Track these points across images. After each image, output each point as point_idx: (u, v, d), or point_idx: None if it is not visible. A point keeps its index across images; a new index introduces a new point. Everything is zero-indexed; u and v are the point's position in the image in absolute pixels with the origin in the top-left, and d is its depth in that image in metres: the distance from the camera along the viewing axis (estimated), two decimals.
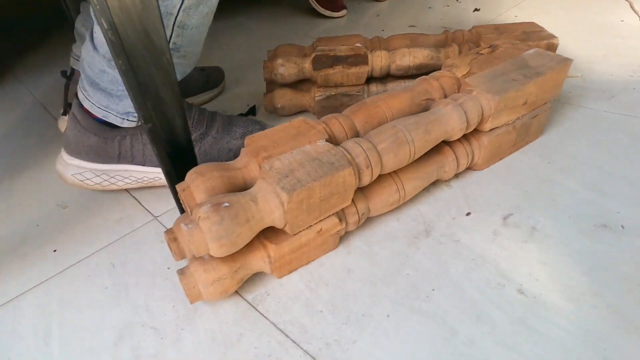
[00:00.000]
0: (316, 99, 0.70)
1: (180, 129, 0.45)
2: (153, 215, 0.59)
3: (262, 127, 0.63)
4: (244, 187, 0.45)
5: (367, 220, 0.53)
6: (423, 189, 0.55)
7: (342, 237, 0.51)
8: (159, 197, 0.61)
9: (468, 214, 0.53)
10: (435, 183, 0.58)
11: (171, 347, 0.42)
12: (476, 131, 0.56)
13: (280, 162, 0.43)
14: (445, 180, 0.58)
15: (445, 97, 0.56)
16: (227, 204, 0.39)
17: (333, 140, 0.48)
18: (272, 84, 0.75)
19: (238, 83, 0.90)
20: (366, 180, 0.46)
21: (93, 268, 0.52)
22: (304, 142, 0.46)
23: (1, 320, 0.46)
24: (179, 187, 0.45)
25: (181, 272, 0.43)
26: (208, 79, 0.84)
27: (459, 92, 0.56)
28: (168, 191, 0.62)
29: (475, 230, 0.51)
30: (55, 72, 0.98)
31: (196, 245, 0.39)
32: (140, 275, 0.50)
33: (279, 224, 0.42)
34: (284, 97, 0.72)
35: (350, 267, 0.48)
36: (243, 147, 0.49)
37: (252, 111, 0.77)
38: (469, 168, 0.59)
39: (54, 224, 0.59)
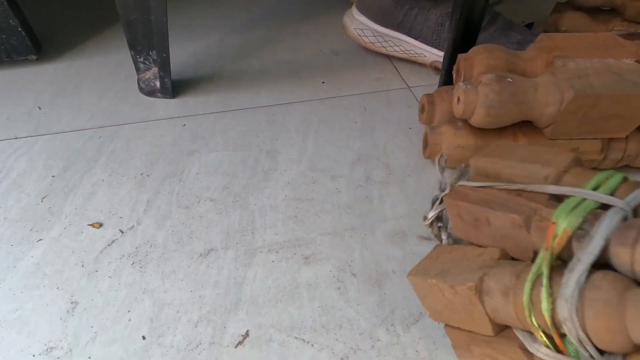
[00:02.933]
0: (614, 33, 0.63)
1: (479, 8, 0.48)
2: (407, 84, 0.64)
3: None
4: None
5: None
6: None
7: None
8: (416, 72, 0.66)
9: None
10: None
11: (396, 182, 0.49)
12: None
13: (575, 64, 0.42)
14: None
15: None
16: (510, 80, 0.41)
17: None
18: (565, 4, 0.69)
19: None
20: None
21: (349, 105, 0.61)
22: (606, 56, 0.43)
23: (278, 113, 0.60)
24: (461, 56, 0.48)
25: (431, 128, 0.48)
26: None
27: None
28: (424, 69, 0.67)
29: None
30: None
31: (465, 106, 0.42)
32: (385, 124, 0.57)
33: (544, 122, 0.43)
34: (573, 21, 0.66)
35: None
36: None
37: (529, 27, 0.74)
38: None
39: (326, 64, 0.70)
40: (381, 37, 0.67)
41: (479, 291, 0.27)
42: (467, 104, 0.42)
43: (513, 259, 0.29)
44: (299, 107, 0.61)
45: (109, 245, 0.43)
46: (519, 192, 0.29)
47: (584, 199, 0.26)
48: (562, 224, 0.25)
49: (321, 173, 0.50)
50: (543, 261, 0.25)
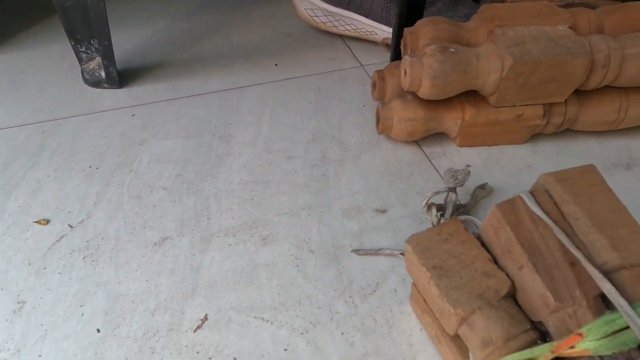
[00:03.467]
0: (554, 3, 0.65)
1: None
2: (360, 63, 0.65)
3: None
4: None
5: (566, 132, 0.51)
6: None
7: (534, 137, 0.50)
8: (368, 50, 0.67)
9: None
10: None
11: (351, 159, 0.49)
12: None
13: (514, 32, 0.43)
14: None
15: None
16: (453, 50, 0.42)
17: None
18: None
19: None
20: (594, 82, 0.43)
21: (303, 86, 0.61)
22: (543, 24, 0.44)
23: (230, 98, 0.59)
24: (407, 29, 0.48)
25: (383, 104, 0.48)
26: None
27: None
28: (377, 47, 0.67)
29: None
30: None
31: (412, 78, 0.43)
32: (339, 103, 0.57)
33: (488, 90, 0.44)
34: None
35: (530, 164, 0.48)
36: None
37: (476, 1, 0.75)
38: None
39: (278, 47, 0.69)
40: (332, 16, 0.67)
41: (463, 319, 0.26)
42: (413, 76, 0.43)
43: (516, 301, 0.27)
44: (252, 90, 0.60)
45: (57, 241, 0.41)
46: (574, 262, 0.24)
47: (629, 328, 0.21)
48: (588, 344, 0.21)
49: (277, 154, 0.50)
50: (540, 357, 0.22)
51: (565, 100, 0.46)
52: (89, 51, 0.56)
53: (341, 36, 0.70)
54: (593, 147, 0.50)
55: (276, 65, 0.65)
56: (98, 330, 0.34)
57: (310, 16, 0.68)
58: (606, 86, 0.46)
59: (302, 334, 0.34)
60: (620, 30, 0.46)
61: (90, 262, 0.39)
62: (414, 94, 0.47)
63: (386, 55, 0.66)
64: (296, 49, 0.68)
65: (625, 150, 0.50)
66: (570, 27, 0.44)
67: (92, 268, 0.39)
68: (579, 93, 0.47)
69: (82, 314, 0.35)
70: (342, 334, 0.34)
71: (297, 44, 0.69)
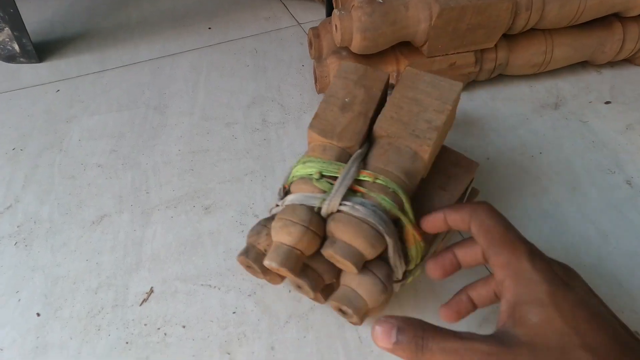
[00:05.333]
0: None
1: None
2: (297, 21, 0.63)
3: None
4: None
5: (499, 78, 0.52)
6: (568, 66, 0.52)
7: (469, 85, 0.52)
8: (306, 8, 0.65)
9: (607, 102, 0.50)
10: (585, 65, 0.54)
11: (293, 122, 0.49)
12: None
13: None
14: (597, 65, 0.54)
15: None
16: (381, 1, 0.41)
17: None
18: None
19: None
20: (519, 25, 0.44)
21: (239, 49, 0.59)
22: None
23: (163, 66, 0.56)
24: None
25: (318, 61, 0.48)
26: None
27: None
28: (314, 4, 0.66)
29: (608, 119, 0.48)
30: None
31: (342, 33, 0.42)
32: (278, 64, 0.56)
33: (419, 39, 0.44)
34: None
35: (467, 112, 0.49)
36: None
37: None
38: (630, 61, 0.54)
39: (211, 9, 0.66)
40: None
41: None
42: (344, 31, 0.42)
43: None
44: (186, 56, 0.57)
45: None
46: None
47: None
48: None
49: (215, 121, 0.49)
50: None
51: (495, 46, 0.47)
52: None
53: None
54: (524, 91, 0.52)
55: (210, 28, 0.62)
56: (38, 315, 0.33)
57: None
58: (532, 29, 0.47)
59: (249, 295, 0.35)
60: None
61: (23, 247, 0.37)
62: (348, 50, 0.46)
63: (323, 12, 0.64)
64: (230, 10, 0.65)
65: (554, 91, 0.52)
66: None
67: (26, 253, 0.37)
68: (508, 38, 0.48)
69: (19, 300, 0.34)
70: (290, 291, 0.35)
71: (230, 5, 0.66)
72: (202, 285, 0.35)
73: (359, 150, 0.30)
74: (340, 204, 0.27)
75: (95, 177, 0.43)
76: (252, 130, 0.48)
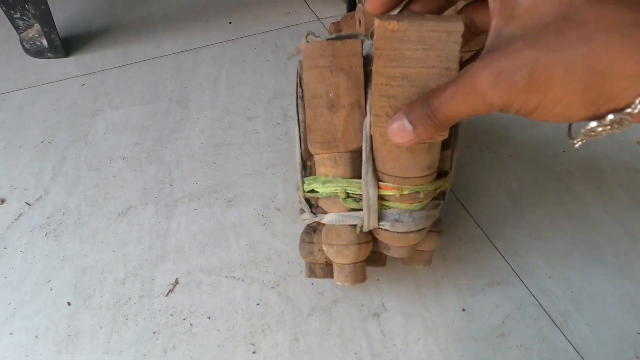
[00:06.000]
0: None
1: None
2: (317, 17, 0.63)
3: None
4: None
5: None
6: None
7: None
8: (325, 3, 0.65)
9: None
10: None
11: None
12: None
13: None
14: None
15: None
16: None
17: None
18: None
19: None
20: None
21: (260, 43, 0.59)
22: None
23: (185, 60, 0.56)
24: None
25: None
26: None
27: None
28: (335, 1, 0.66)
29: None
30: None
31: (366, 27, 0.42)
32: (298, 59, 0.56)
33: None
34: None
35: None
36: None
37: None
38: None
39: (232, 4, 0.66)
40: None
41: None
42: (368, 25, 0.42)
43: None
44: (207, 51, 0.58)
45: (15, 220, 0.40)
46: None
47: None
48: None
49: (237, 115, 0.49)
50: None
51: None
52: (25, 17, 0.52)
53: None
54: None
55: (230, 23, 0.62)
56: (69, 304, 0.34)
57: None
58: None
59: (273, 287, 0.35)
60: None
61: (53, 238, 0.39)
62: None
63: (343, 7, 0.64)
64: (250, 6, 0.65)
65: None
66: None
67: (56, 243, 0.38)
68: None
69: (51, 289, 0.35)
70: (312, 284, 0.35)
71: (250, 0, 0.67)
72: (226, 277, 0.36)
73: (365, 156, 0.27)
74: (379, 225, 0.29)
75: (120, 170, 0.44)
76: (274, 125, 0.48)
